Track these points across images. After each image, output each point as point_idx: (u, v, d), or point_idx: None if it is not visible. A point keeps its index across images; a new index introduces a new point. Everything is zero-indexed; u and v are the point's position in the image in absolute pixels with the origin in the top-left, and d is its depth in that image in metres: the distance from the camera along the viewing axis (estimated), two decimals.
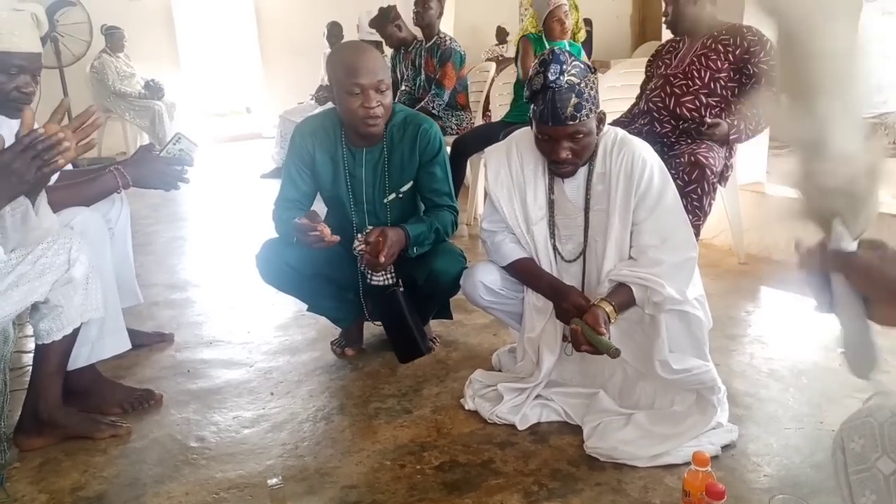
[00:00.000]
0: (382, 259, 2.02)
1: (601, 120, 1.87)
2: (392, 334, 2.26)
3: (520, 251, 2.01)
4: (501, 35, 10.16)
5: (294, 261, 2.21)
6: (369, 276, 2.28)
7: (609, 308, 1.80)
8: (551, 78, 1.75)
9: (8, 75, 1.86)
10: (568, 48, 2.96)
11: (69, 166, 2.24)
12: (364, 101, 2.05)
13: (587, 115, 1.78)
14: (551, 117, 1.78)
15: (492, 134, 3.24)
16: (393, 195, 2.26)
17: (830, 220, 0.88)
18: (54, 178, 2.15)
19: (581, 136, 1.80)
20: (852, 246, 0.87)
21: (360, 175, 2.25)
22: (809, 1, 0.86)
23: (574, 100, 1.75)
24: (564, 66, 1.76)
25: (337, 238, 2.04)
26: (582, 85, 1.76)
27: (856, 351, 0.88)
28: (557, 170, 1.89)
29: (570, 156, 1.83)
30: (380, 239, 2.03)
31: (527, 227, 1.99)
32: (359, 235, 2.18)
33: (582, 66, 1.80)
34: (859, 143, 0.88)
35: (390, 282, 2.27)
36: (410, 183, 2.26)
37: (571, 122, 1.77)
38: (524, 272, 2.00)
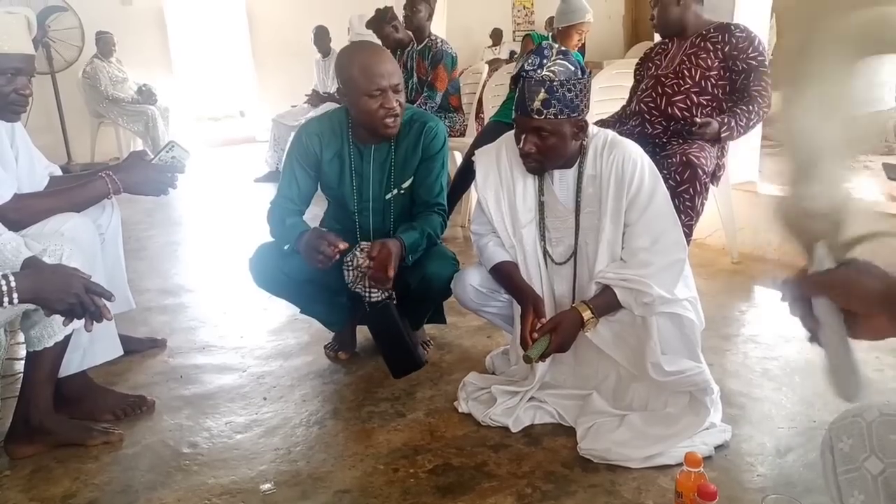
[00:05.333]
0: (391, 273, 2.00)
1: (580, 128, 1.84)
2: (385, 349, 2.18)
3: (503, 254, 2.00)
4: (497, 37, 10.18)
5: (288, 267, 2.20)
6: (367, 294, 2.22)
7: (587, 312, 1.82)
8: (527, 68, 1.76)
9: (6, 77, 1.86)
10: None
11: (59, 171, 2.25)
12: (384, 102, 2.06)
13: (556, 116, 1.77)
14: (519, 106, 1.80)
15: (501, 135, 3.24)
16: (395, 191, 2.26)
17: (813, 243, 0.88)
18: (45, 183, 2.15)
19: (546, 134, 1.80)
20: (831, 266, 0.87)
21: (368, 173, 2.24)
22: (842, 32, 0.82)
23: (543, 95, 1.75)
24: (545, 61, 1.76)
25: (337, 255, 2.02)
26: (557, 84, 1.75)
27: (841, 375, 0.87)
28: (523, 162, 1.90)
29: (532, 150, 1.83)
30: (384, 253, 2.01)
31: (514, 229, 1.99)
32: (356, 252, 2.16)
33: (571, 68, 1.78)
34: (844, 174, 0.87)
35: (386, 296, 2.21)
36: (412, 178, 2.26)
37: (536, 117, 1.77)
38: (500, 275, 2.00)
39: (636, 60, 3.35)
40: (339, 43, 6.15)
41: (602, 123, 3.15)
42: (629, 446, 1.77)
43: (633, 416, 1.86)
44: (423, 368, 2.31)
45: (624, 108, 3.21)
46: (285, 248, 2.17)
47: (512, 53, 9.25)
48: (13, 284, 1.53)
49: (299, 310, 2.50)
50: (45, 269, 1.65)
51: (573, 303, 1.94)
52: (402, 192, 2.27)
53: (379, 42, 4.65)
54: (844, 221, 0.86)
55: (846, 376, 0.87)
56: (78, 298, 1.58)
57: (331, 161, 2.24)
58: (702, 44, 2.92)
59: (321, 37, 6.74)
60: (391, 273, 2.00)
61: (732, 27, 2.92)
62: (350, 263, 2.20)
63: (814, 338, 0.88)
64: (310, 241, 2.05)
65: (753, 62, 2.85)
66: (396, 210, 2.28)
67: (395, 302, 2.18)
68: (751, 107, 2.82)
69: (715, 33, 2.92)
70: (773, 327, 2.59)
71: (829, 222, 0.86)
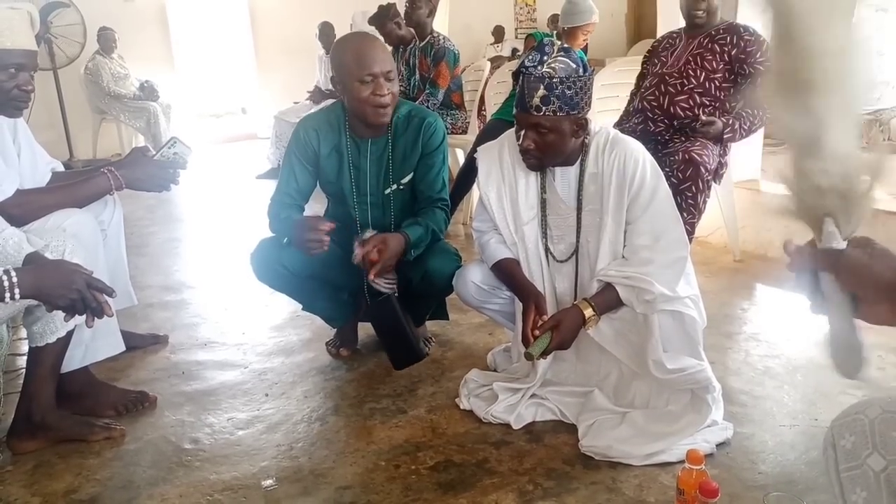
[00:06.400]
0: (372, 276, 2.03)
1: (580, 126, 1.84)
2: (386, 342, 2.20)
3: (504, 251, 2.01)
4: (499, 34, 10.17)
5: (289, 261, 2.20)
6: (374, 283, 2.22)
7: (588, 309, 1.82)
8: (527, 64, 1.77)
9: (9, 73, 1.86)
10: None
11: (61, 167, 2.26)
12: (375, 89, 2.07)
13: (554, 112, 1.77)
14: (519, 102, 1.81)
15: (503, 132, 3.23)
16: (394, 186, 2.26)
17: (822, 220, 0.87)
18: (47, 179, 2.15)
19: (545, 131, 1.80)
20: (842, 245, 0.86)
21: (365, 167, 2.25)
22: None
23: (542, 91, 1.75)
24: (545, 58, 1.76)
25: (327, 239, 2.03)
26: (557, 81, 1.75)
27: (843, 351, 0.87)
28: (522, 158, 1.90)
29: (531, 146, 1.83)
30: (379, 248, 2.02)
31: (516, 227, 1.99)
32: (357, 243, 2.16)
33: (572, 65, 1.78)
34: (855, 142, 0.87)
35: (391, 288, 2.21)
36: (411, 174, 2.26)
37: (535, 113, 1.77)
38: (502, 272, 2.00)
39: (639, 58, 3.35)
40: None
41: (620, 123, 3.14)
42: (631, 443, 1.77)
43: (635, 414, 1.86)
44: (426, 365, 2.32)
45: (629, 104, 3.21)
46: (284, 240, 2.17)
47: (514, 51, 9.25)
48: (15, 280, 1.53)
49: (301, 307, 2.50)
50: (46, 264, 1.65)
51: (575, 300, 1.94)
52: (402, 187, 2.27)
53: (381, 38, 4.65)
54: (853, 196, 0.86)
55: (848, 352, 0.86)
56: (79, 294, 1.58)
57: (329, 155, 2.25)
58: (709, 45, 2.92)
59: (326, 33, 6.71)
60: (372, 276, 2.03)
61: (741, 29, 2.91)
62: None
63: (816, 308, 0.88)
64: (298, 230, 2.06)
65: (761, 67, 2.84)
66: (397, 205, 2.28)
67: (397, 295, 2.18)
68: (755, 111, 2.82)
69: (724, 34, 2.91)
70: (775, 325, 2.59)
71: (837, 197, 0.86)
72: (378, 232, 2.14)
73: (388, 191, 2.27)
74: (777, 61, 0.90)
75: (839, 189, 0.86)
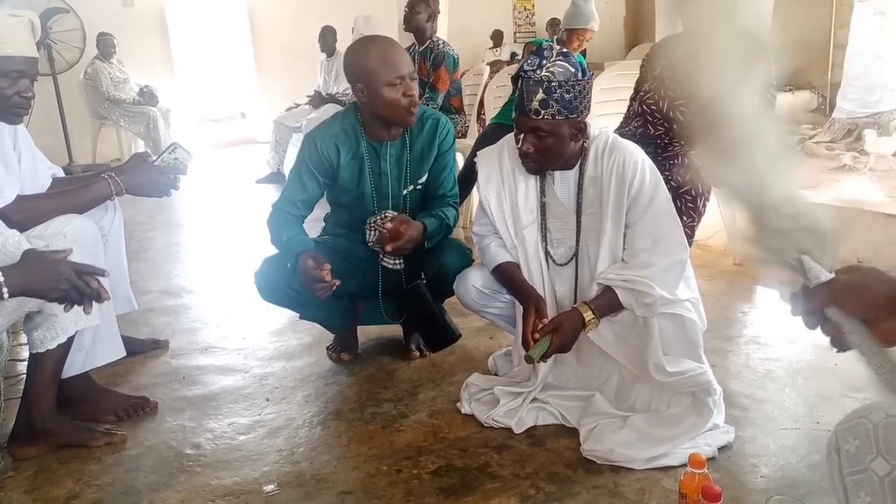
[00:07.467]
0: (390, 248, 2.07)
1: (579, 129, 1.84)
2: (422, 326, 2.31)
3: (505, 255, 2.01)
4: (497, 38, 10.18)
5: (297, 283, 2.15)
6: (381, 258, 2.27)
7: (588, 312, 1.83)
8: (526, 68, 1.78)
9: (9, 80, 1.86)
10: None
11: (61, 173, 2.25)
12: (406, 89, 2.10)
13: (553, 116, 1.77)
14: (518, 106, 1.82)
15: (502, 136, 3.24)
16: (411, 186, 2.29)
17: (799, 260, 0.89)
18: (48, 185, 2.15)
19: (544, 134, 1.80)
20: (829, 276, 0.87)
21: (386, 169, 2.26)
22: (718, 79, 0.93)
23: (540, 95, 1.76)
24: (544, 62, 1.77)
25: (337, 282, 2.05)
26: (555, 85, 1.76)
27: (887, 370, 0.86)
28: (522, 162, 1.91)
29: (531, 150, 1.83)
30: (401, 229, 2.06)
31: (516, 230, 1.99)
32: (386, 214, 2.21)
33: (571, 69, 1.78)
34: (795, 182, 0.92)
35: (398, 266, 2.27)
36: (426, 174, 2.29)
37: (534, 117, 1.78)
38: (502, 276, 2.00)
39: (637, 62, 3.35)
40: (343, 44, 6.14)
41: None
42: (632, 447, 1.77)
43: (636, 418, 1.86)
44: (426, 369, 2.33)
45: (629, 107, 3.21)
46: (288, 267, 2.15)
47: (513, 55, 9.26)
48: (1, 279, 1.53)
49: (299, 315, 2.49)
50: (30, 260, 1.63)
51: (574, 304, 1.94)
52: (419, 187, 2.30)
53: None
54: (817, 227, 0.89)
55: (890, 369, 0.85)
56: (70, 284, 1.58)
57: (348, 164, 2.24)
58: None
59: (327, 36, 6.68)
60: (388, 248, 2.07)
61: None
62: (374, 223, 2.23)
63: (836, 343, 0.88)
64: (304, 275, 2.05)
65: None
66: (412, 206, 2.30)
67: (424, 281, 2.20)
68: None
69: None
70: (775, 328, 2.59)
71: (803, 234, 0.89)
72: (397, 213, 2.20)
73: (406, 191, 2.28)
74: (707, 131, 0.98)
75: (801, 226, 0.89)
